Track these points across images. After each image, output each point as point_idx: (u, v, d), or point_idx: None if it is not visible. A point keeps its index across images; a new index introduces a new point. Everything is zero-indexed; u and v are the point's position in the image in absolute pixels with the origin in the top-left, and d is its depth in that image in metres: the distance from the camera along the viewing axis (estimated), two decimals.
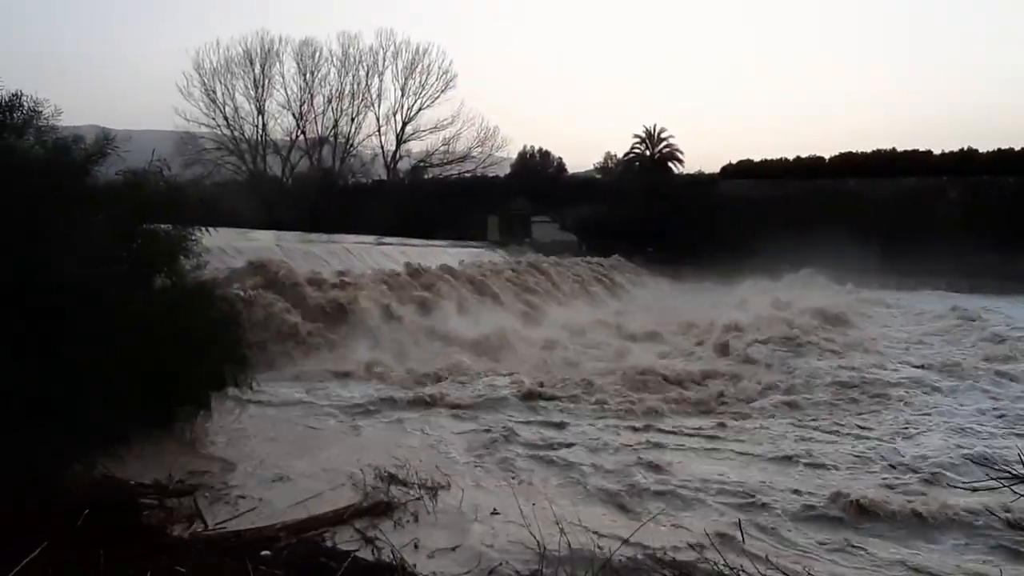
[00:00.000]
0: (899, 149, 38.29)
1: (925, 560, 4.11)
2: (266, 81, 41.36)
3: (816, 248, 29.96)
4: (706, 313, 15.95)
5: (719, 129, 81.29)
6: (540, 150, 44.40)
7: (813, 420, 7.44)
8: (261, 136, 42.23)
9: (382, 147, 43.52)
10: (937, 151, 37.39)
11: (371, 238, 22.10)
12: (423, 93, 42.45)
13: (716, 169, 41.84)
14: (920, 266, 29.04)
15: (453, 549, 3.95)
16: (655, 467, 5.63)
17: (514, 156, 44.41)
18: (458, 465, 5.72)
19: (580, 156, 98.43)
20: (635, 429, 6.97)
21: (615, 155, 44.42)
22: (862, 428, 7.12)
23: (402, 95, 42.71)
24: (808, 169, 38.69)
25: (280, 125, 42.74)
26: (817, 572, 3.86)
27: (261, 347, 9.35)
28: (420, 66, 42.20)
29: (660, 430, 6.96)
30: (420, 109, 42.67)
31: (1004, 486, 4.36)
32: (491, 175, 43.63)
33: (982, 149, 36.43)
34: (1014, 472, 4.65)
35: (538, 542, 3.38)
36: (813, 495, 5.06)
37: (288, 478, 5.23)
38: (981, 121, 66.66)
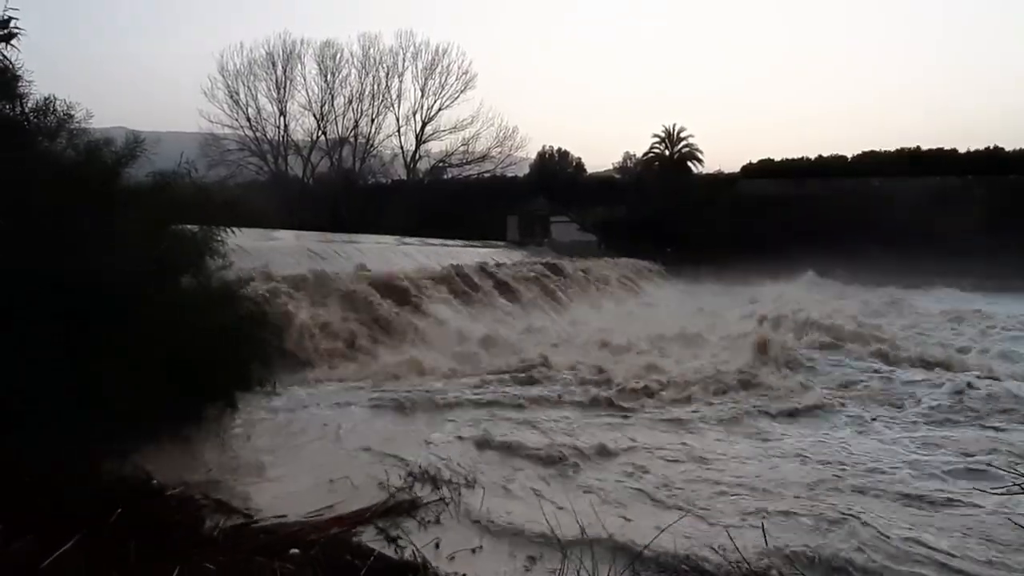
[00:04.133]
0: (923, 148, 37.75)
1: None
2: (288, 83, 41.81)
3: (838, 249, 29.68)
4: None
5: (740, 128, 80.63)
6: (559, 150, 44.40)
7: None
8: (283, 137, 42.71)
9: (402, 147, 43.75)
10: (963, 149, 36.83)
11: (392, 238, 22.23)
12: (443, 93, 42.58)
13: (736, 168, 41.62)
14: (946, 266, 28.58)
15: (473, 551, 3.97)
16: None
17: (533, 156, 44.46)
18: (484, 464, 5.74)
19: (599, 156, 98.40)
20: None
21: (634, 155, 44.30)
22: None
23: (422, 95, 42.88)
24: (830, 168, 38.27)
25: (301, 126, 43.19)
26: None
27: (300, 348, 9.51)
28: (440, 66, 42.34)
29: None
30: (440, 109, 42.82)
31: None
32: (510, 175, 43.69)
33: (1008, 147, 35.82)
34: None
35: (559, 541, 3.40)
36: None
37: (317, 477, 5.29)
38: (1008, 119, 65.37)
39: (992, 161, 35.71)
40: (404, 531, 4.25)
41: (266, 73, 41.44)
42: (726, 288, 25.49)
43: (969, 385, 8.48)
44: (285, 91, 41.85)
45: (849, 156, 39.12)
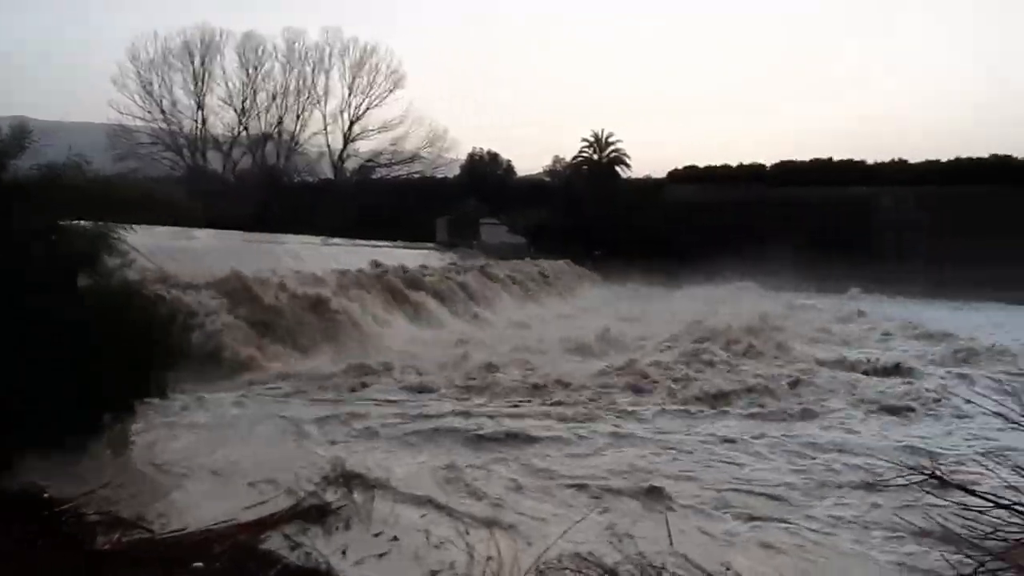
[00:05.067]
0: (835, 159, 39.90)
1: None
2: (206, 75, 40.33)
3: (758, 254, 30.99)
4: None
5: (667, 134, 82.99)
6: (489, 152, 44.59)
7: None
8: (200, 131, 41.02)
9: (328, 146, 42.94)
10: (870, 161, 39.12)
11: (318, 239, 21.70)
12: (371, 92, 42.09)
13: (663, 174, 42.86)
14: (856, 271, 30.30)
15: (380, 557, 3.90)
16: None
17: (463, 158, 44.44)
18: (397, 468, 5.67)
19: (530, 159, 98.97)
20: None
21: (564, 159, 44.98)
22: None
23: (349, 93, 42.25)
24: (750, 176, 39.95)
25: (221, 120, 41.64)
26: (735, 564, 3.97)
27: (204, 351, 9.10)
28: (368, 65, 41.83)
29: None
30: (368, 108, 42.29)
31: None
32: (440, 176, 43.51)
33: (912, 160, 38.31)
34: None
35: (467, 545, 3.38)
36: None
37: (224, 484, 5.08)
38: (912, 132, 70.21)
39: (898, 171, 38.11)
40: (311, 537, 4.14)
41: (182, 64, 39.86)
42: (653, 291, 26.16)
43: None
44: (203, 83, 40.29)
45: (768, 165, 40.91)
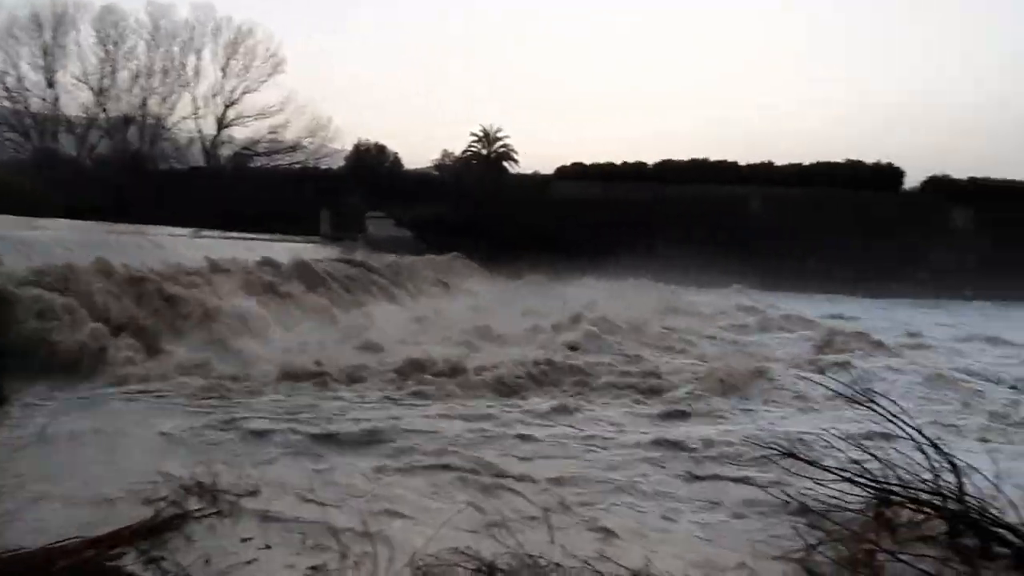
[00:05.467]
0: (711, 159, 42.24)
1: None
2: (58, 50, 36.50)
3: (646, 250, 32.48)
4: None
5: (556, 132, 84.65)
6: (376, 144, 43.59)
7: None
8: (51, 111, 37.17)
9: (200, 131, 40.26)
10: (743, 162, 41.72)
11: (187, 230, 20.29)
12: (247, 76, 39.91)
13: (551, 170, 43.70)
14: (731, 266, 32.43)
15: (248, 563, 3.69)
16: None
17: (348, 148, 43.20)
18: (268, 468, 5.39)
19: (418, 153, 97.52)
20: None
21: (452, 153, 44.85)
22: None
23: (223, 76, 39.82)
24: (633, 173, 41.50)
25: (75, 100, 37.88)
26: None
27: (54, 352, 8.23)
28: (244, 46, 39.59)
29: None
30: (244, 93, 40.07)
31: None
32: (324, 167, 42.03)
33: (778, 162, 41.29)
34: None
35: (339, 543, 3.26)
36: None
37: (73, 497, 4.59)
38: (782, 137, 75.97)
39: (766, 173, 40.96)
40: (171, 550, 3.83)
41: (30, 37, 35.84)
42: (541, 288, 26.60)
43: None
44: (54, 59, 36.49)
45: (650, 163, 42.64)
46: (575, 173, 41.77)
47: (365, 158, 42.55)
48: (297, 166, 41.13)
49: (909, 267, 34.09)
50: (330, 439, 6.16)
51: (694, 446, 6.35)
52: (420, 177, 43.53)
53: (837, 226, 35.73)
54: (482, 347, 11.42)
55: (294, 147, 40.94)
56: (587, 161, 42.72)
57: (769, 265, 32.42)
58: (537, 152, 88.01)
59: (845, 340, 13.01)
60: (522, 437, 6.50)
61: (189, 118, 39.62)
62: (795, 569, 4.01)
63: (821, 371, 10.05)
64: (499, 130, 42.19)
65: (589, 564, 3.88)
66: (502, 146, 42.39)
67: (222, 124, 39.97)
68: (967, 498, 4.63)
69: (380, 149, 43.47)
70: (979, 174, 37.69)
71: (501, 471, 5.44)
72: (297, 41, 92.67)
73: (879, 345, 12.54)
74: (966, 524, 4.52)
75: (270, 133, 40.39)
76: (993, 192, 36.72)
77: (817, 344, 13.27)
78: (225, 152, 41.02)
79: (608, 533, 4.41)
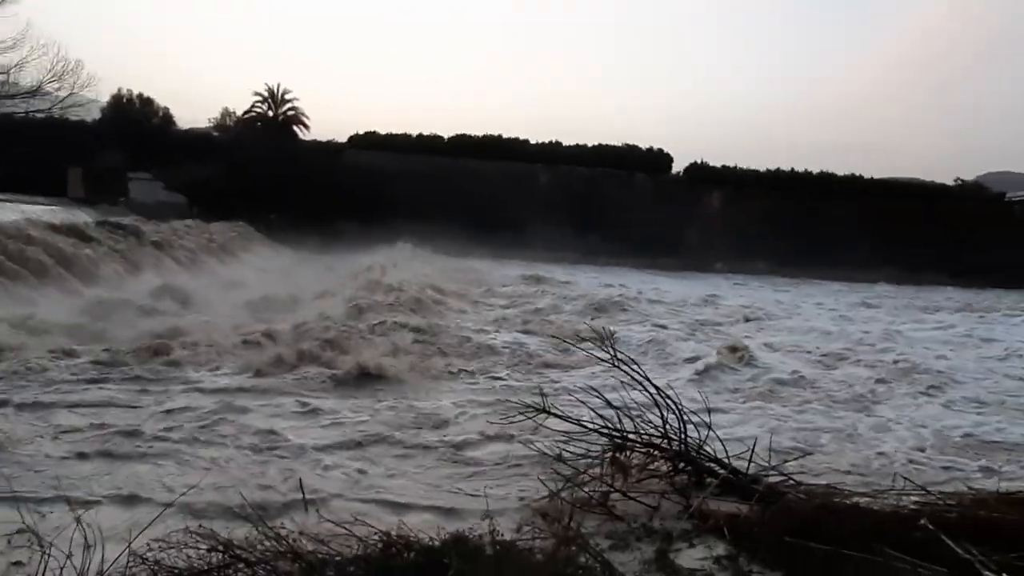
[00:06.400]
0: (505, 136, 43.47)
1: None
2: None
3: (437, 221, 32.57)
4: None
5: (348, 99, 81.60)
6: (141, 96, 38.43)
7: None
8: None
9: None
10: (534, 140, 43.51)
11: None
12: None
13: (344, 139, 41.98)
14: (519, 240, 33.85)
15: None
16: None
17: (106, 99, 37.54)
18: None
19: (194, 109, 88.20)
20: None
21: (234, 112, 41.15)
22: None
23: None
24: (429, 146, 41.40)
25: None
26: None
27: None
28: None
29: None
30: None
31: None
32: (74, 119, 36.14)
33: (565, 142, 43.68)
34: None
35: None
36: None
37: None
38: (567, 119, 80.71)
39: (553, 152, 43.13)
40: None
41: None
42: (328, 256, 25.59)
43: None
44: None
45: (446, 136, 42.76)
46: (369, 143, 40.61)
47: (127, 111, 37.30)
48: (39, 116, 34.84)
49: (674, 242, 38.27)
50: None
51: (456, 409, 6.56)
52: (197, 137, 39.26)
53: (614, 203, 38.98)
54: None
55: (33, 93, 34.48)
56: (382, 131, 41.76)
57: (554, 237, 34.47)
58: (332, 119, 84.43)
59: (608, 305, 14.33)
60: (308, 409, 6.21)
61: None
62: (534, 513, 4.28)
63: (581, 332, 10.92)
64: (287, 91, 39.58)
65: (345, 528, 3.80)
66: (291, 109, 39.83)
67: None
68: (689, 440, 5.30)
69: (146, 102, 38.42)
70: (731, 163, 43.35)
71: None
72: None
73: (637, 309, 14.01)
74: (686, 461, 5.18)
75: (0, 74, 33.68)
76: (739, 179, 42.45)
77: (578, 310, 14.44)
78: None
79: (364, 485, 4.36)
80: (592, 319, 13.15)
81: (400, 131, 41.94)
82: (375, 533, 3.89)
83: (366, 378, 8.01)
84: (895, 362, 10.63)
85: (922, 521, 4.02)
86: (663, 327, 12.81)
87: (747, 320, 15.22)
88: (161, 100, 39.79)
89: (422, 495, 4.68)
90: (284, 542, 3.83)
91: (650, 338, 11.39)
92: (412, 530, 3.98)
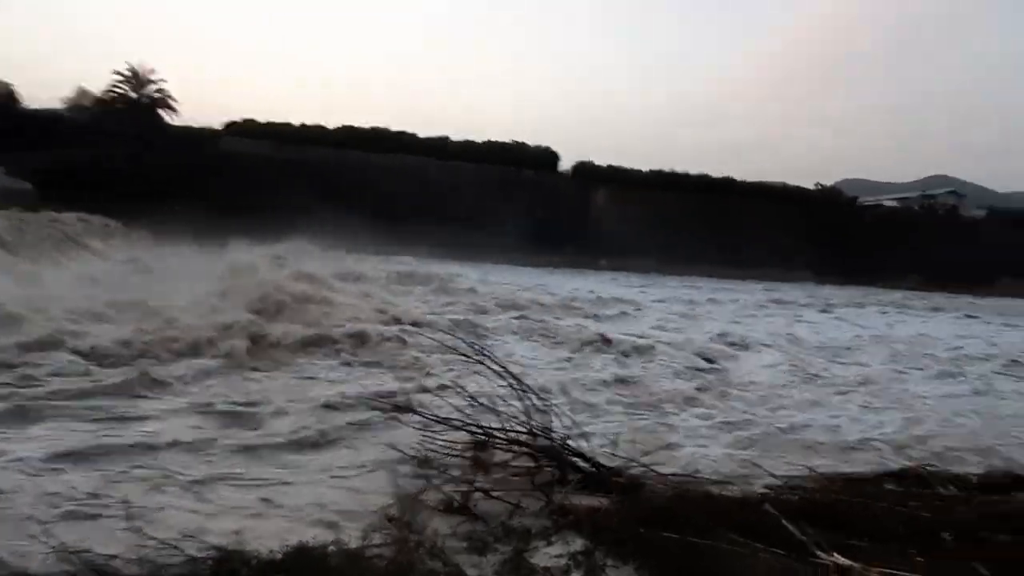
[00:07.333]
0: (392, 128, 42.50)
1: None
2: None
3: (320, 214, 31.29)
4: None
5: (223, 84, 76.98)
6: None
7: None
8: None
9: None
10: (422, 135, 42.84)
11: None
12: None
13: (219, 125, 39.54)
14: (407, 236, 33.10)
15: None
16: None
17: None
18: None
19: (43, 88, 79.82)
20: None
21: (91, 92, 37.56)
22: None
23: None
24: (314, 137, 39.79)
25: None
26: None
27: None
28: None
29: None
30: None
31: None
32: None
33: (455, 137, 43.41)
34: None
35: None
36: None
37: None
38: (460, 113, 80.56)
39: (442, 147, 42.72)
40: None
41: None
42: (201, 250, 23.87)
43: None
44: None
45: (331, 127, 41.25)
46: (248, 131, 38.47)
47: None
48: None
49: (562, 240, 38.97)
50: None
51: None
52: (46, 118, 35.43)
53: (502, 200, 39.20)
54: None
55: None
56: (262, 119, 39.68)
57: (443, 234, 34.17)
58: (206, 103, 79.39)
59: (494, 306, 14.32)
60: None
61: None
62: (385, 519, 4.06)
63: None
64: (152, 71, 36.62)
65: (177, 548, 3.44)
66: (157, 91, 36.88)
67: None
68: (554, 434, 5.27)
69: None
70: (615, 163, 44.75)
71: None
72: None
73: (518, 307, 14.08)
74: (550, 456, 5.13)
75: None
76: (623, 178, 43.95)
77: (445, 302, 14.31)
78: None
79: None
80: (458, 314, 13.07)
81: (282, 120, 40.09)
82: (208, 548, 3.57)
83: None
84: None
85: (766, 506, 4.19)
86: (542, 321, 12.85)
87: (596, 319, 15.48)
88: (5, 76, 35.75)
89: (263, 503, 4.32)
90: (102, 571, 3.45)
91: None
92: (251, 542, 3.68)
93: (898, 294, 34.24)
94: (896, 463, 6.12)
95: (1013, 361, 13.36)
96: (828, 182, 52.07)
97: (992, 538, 3.89)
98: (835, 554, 3.54)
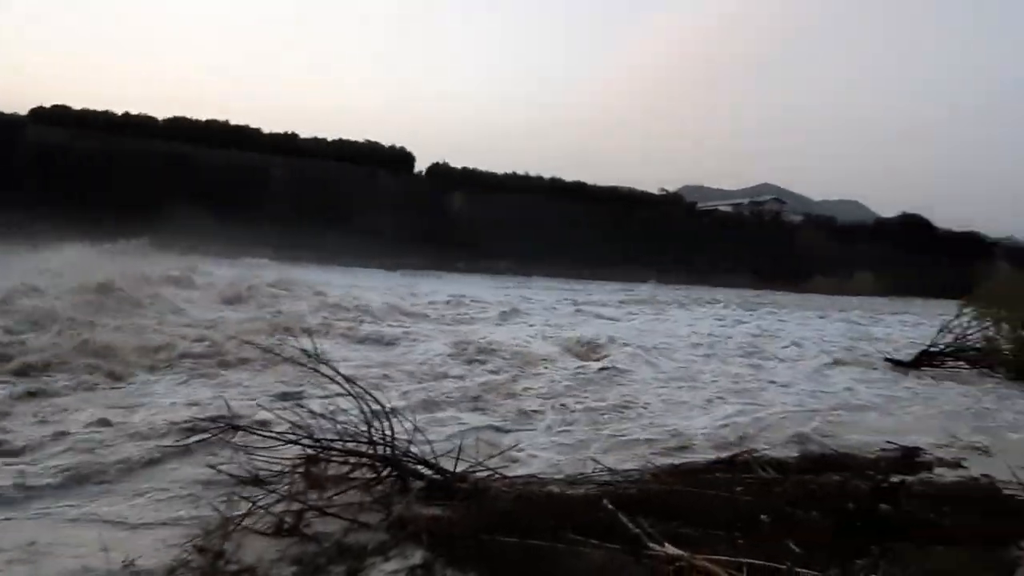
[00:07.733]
0: (233, 123, 39.79)
1: None
2: None
3: (156, 211, 28.68)
4: None
5: (28, 65, 68.06)
6: None
7: None
8: None
9: None
10: (267, 130, 40.48)
11: None
12: None
13: (24, 111, 34.96)
14: (250, 236, 31.00)
15: None
16: None
17: None
18: None
19: None
20: None
21: None
22: None
23: None
24: (139, 127, 36.41)
25: None
26: None
27: None
28: None
29: None
30: None
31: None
32: None
33: (303, 135, 41.47)
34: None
35: None
36: None
37: None
38: (302, 110, 76.98)
39: (290, 143, 40.66)
40: None
41: None
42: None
43: None
44: None
45: (160, 118, 37.90)
46: (58, 118, 34.33)
47: None
48: None
49: (419, 242, 38.42)
50: None
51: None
52: None
53: (356, 202, 38.08)
54: None
55: None
56: (76, 105, 35.51)
57: (291, 235, 32.58)
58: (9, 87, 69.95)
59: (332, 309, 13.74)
60: None
61: None
62: (193, 550, 3.63)
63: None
64: None
65: None
66: None
67: None
68: (396, 442, 5.01)
69: None
70: (471, 166, 44.88)
71: None
72: None
73: (370, 313, 13.64)
74: (392, 465, 4.87)
75: None
76: (481, 180, 44.29)
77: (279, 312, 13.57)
78: None
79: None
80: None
81: (102, 107, 36.20)
82: None
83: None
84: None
85: (604, 501, 4.23)
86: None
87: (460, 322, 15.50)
88: None
89: (61, 537, 3.73)
90: None
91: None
92: None
93: (732, 292, 37.48)
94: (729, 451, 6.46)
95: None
96: (672, 188, 56.34)
97: (804, 516, 4.19)
98: (667, 544, 3.61)
